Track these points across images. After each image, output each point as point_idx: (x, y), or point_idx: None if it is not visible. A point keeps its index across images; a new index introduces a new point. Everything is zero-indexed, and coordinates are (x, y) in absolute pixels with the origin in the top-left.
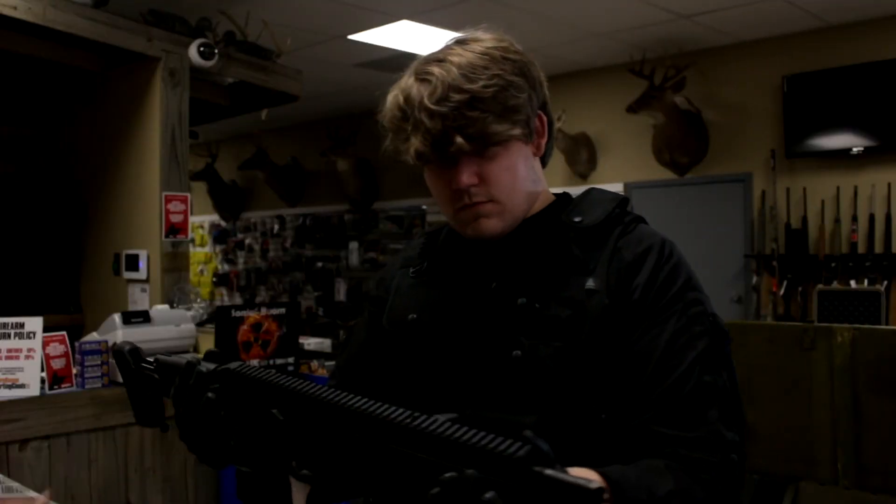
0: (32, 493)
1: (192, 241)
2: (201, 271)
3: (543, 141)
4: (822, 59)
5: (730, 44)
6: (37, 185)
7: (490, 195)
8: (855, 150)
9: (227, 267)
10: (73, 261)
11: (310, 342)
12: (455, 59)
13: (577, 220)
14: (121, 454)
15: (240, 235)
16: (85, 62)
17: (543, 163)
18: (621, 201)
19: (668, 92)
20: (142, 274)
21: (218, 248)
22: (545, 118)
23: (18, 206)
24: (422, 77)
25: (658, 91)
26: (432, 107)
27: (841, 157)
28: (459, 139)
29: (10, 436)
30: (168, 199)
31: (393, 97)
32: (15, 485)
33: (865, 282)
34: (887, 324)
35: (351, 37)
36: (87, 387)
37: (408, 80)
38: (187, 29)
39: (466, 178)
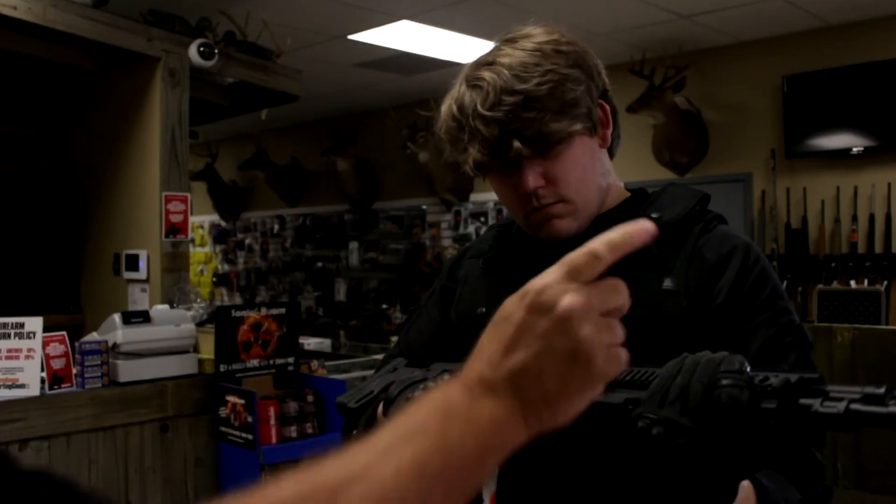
0: None
1: (192, 241)
2: (201, 271)
3: (609, 131)
4: (822, 59)
5: (730, 44)
6: (37, 185)
7: (559, 195)
8: (855, 150)
9: (227, 267)
10: (73, 261)
11: (310, 342)
12: (505, 59)
13: (654, 216)
14: (121, 454)
15: (240, 235)
16: (85, 62)
17: (611, 153)
18: (702, 198)
19: (668, 92)
20: (142, 274)
21: (218, 248)
22: (608, 107)
23: (18, 206)
24: (473, 83)
25: (658, 91)
26: (486, 113)
27: (841, 157)
28: (517, 143)
29: (10, 436)
30: (168, 199)
31: (447, 108)
32: None
33: (865, 282)
34: (887, 324)
35: (351, 37)
36: (87, 387)
37: (460, 89)
38: (187, 29)
39: (532, 180)
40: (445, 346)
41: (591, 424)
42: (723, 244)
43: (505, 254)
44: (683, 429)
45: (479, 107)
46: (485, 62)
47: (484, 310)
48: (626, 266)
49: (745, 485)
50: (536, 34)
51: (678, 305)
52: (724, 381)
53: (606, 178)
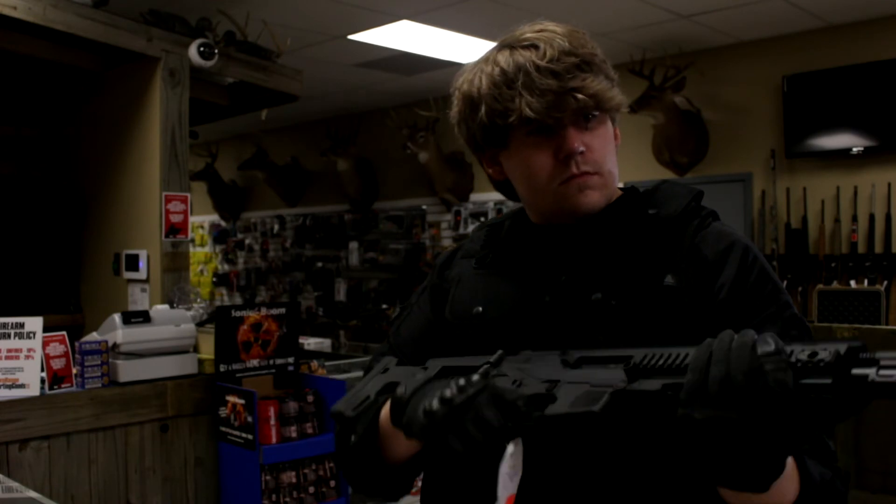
0: (32, 493)
1: (192, 241)
2: (201, 271)
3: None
4: (822, 59)
5: (730, 44)
6: (37, 186)
7: (597, 166)
8: (855, 150)
9: (227, 267)
10: (73, 261)
11: (310, 342)
12: (554, 28)
13: (651, 212)
14: (121, 454)
15: (240, 235)
16: (85, 62)
17: None
18: (697, 195)
19: (668, 92)
20: (142, 274)
21: (218, 248)
22: None
23: (18, 207)
24: (524, 45)
25: (658, 91)
26: (548, 65)
27: (841, 157)
28: (582, 96)
29: (10, 436)
30: (168, 199)
31: (488, 71)
32: (15, 485)
33: (865, 282)
34: (887, 324)
35: (351, 37)
36: (87, 387)
37: (500, 54)
38: (187, 29)
39: (577, 143)
40: (439, 344)
41: (627, 414)
42: (720, 240)
43: (497, 252)
44: (732, 423)
45: (538, 60)
46: (529, 31)
47: (480, 309)
48: (627, 263)
49: (789, 459)
50: (561, 25)
51: (680, 302)
52: (768, 367)
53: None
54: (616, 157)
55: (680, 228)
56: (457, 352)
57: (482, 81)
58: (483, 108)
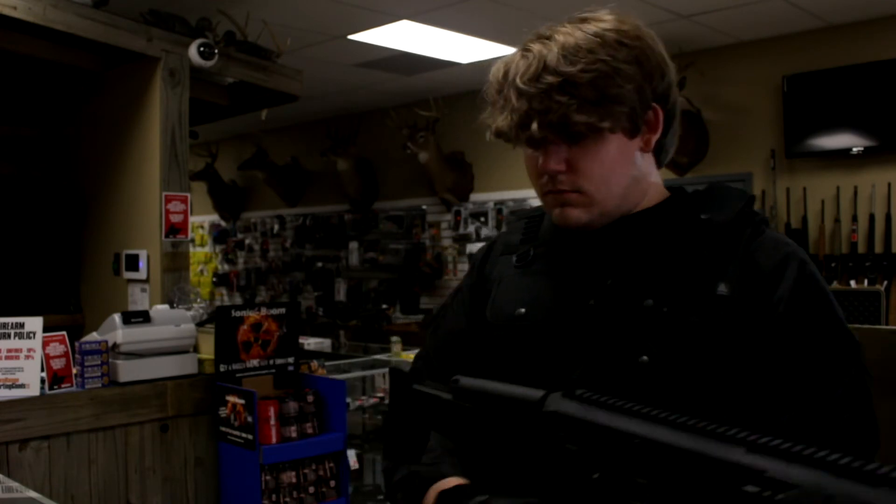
0: (32, 493)
1: (192, 241)
2: (201, 271)
3: (655, 137)
4: (822, 59)
5: (730, 44)
6: (37, 186)
7: (576, 185)
8: (855, 150)
9: (227, 267)
10: (73, 261)
11: (310, 342)
12: (561, 38)
13: (704, 216)
14: (121, 454)
15: (240, 235)
16: (85, 62)
17: (660, 161)
18: (749, 199)
19: None
20: (142, 274)
21: (218, 248)
22: (661, 112)
23: (18, 207)
24: (524, 52)
25: None
26: (521, 86)
27: (841, 157)
28: (535, 126)
29: (10, 436)
30: (168, 199)
31: (496, 69)
32: (15, 485)
33: (865, 282)
34: (887, 324)
35: (351, 37)
36: (87, 387)
37: (515, 54)
38: (187, 29)
39: (553, 163)
40: (479, 345)
41: None
42: (776, 251)
43: (540, 249)
44: None
45: (517, 77)
46: (543, 35)
47: (523, 311)
48: (678, 269)
49: None
50: (607, 20)
51: (734, 312)
52: None
53: (641, 181)
54: (630, 170)
55: (733, 235)
56: (498, 354)
57: (489, 83)
58: (486, 111)
